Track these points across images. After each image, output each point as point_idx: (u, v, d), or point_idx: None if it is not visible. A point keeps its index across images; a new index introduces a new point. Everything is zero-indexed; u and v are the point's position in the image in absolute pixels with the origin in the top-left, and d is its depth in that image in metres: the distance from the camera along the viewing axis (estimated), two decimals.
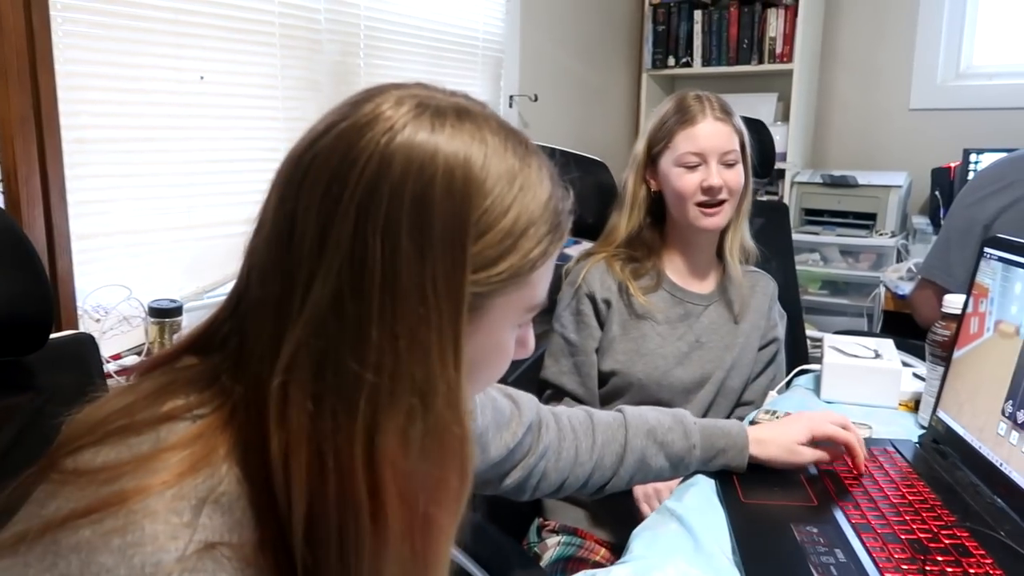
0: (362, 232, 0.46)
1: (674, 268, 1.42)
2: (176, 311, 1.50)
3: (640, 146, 1.39)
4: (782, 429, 1.02)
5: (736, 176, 1.33)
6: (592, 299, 1.38)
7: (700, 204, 1.32)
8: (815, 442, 1.01)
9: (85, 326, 1.40)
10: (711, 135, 1.32)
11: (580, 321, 1.39)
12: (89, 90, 1.41)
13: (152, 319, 1.49)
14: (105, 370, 1.38)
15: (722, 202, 1.33)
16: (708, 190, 1.31)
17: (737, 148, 1.34)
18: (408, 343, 0.47)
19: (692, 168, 1.32)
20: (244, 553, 0.46)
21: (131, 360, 1.47)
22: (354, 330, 0.47)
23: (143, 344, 1.49)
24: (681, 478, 1.04)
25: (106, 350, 1.43)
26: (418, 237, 0.47)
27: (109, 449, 0.47)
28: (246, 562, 0.46)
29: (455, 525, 0.53)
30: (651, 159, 1.38)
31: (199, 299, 1.68)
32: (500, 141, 0.51)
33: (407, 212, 0.47)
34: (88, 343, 0.94)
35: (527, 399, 0.97)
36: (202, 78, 1.59)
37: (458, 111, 0.51)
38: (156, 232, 1.56)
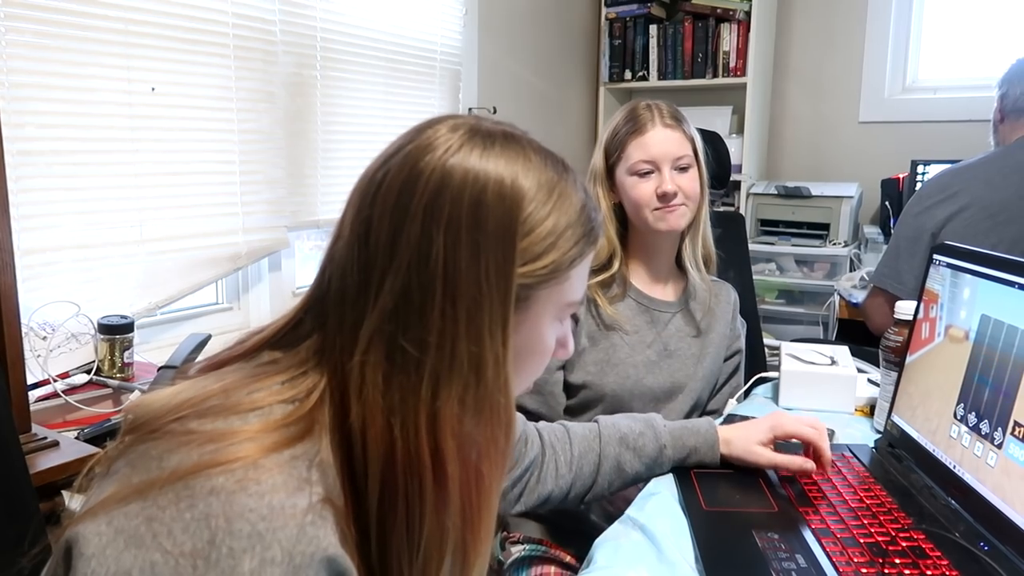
0: (428, 231, 0.55)
1: (638, 276, 1.42)
2: (127, 327, 1.47)
3: (598, 159, 1.40)
4: (746, 429, 1.06)
5: (691, 181, 1.33)
6: None
7: (657, 209, 1.32)
8: (778, 441, 1.04)
9: (30, 344, 1.35)
10: (661, 141, 1.32)
11: None
12: (35, 100, 1.37)
13: (102, 336, 1.45)
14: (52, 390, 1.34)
15: (680, 204, 1.33)
16: (663, 196, 1.31)
17: (690, 152, 1.34)
18: (465, 324, 0.56)
19: (645, 176, 1.32)
20: (336, 514, 0.53)
21: (81, 379, 1.42)
22: (419, 315, 0.55)
23: (92, 362, 1.45)
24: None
25: (53, 368, 1.38)
26: (475, 233, 0.56)
27: (214, 420, 0.53)
28: (335, 520, 0.52)
29: (501, 479, 0.62)
30: (608, 171, 1.38)
31: (151, 315, 1.63)
32: (541, 159, 0.61)
33: (466, 213, 0.56)
34: None
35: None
36: (153, 89, 1.56)
37: (505, 135, 0.61)
38: (106, 247, 1.52)
